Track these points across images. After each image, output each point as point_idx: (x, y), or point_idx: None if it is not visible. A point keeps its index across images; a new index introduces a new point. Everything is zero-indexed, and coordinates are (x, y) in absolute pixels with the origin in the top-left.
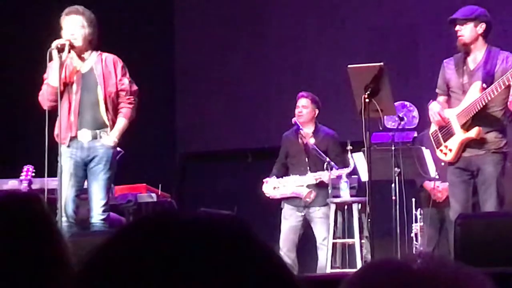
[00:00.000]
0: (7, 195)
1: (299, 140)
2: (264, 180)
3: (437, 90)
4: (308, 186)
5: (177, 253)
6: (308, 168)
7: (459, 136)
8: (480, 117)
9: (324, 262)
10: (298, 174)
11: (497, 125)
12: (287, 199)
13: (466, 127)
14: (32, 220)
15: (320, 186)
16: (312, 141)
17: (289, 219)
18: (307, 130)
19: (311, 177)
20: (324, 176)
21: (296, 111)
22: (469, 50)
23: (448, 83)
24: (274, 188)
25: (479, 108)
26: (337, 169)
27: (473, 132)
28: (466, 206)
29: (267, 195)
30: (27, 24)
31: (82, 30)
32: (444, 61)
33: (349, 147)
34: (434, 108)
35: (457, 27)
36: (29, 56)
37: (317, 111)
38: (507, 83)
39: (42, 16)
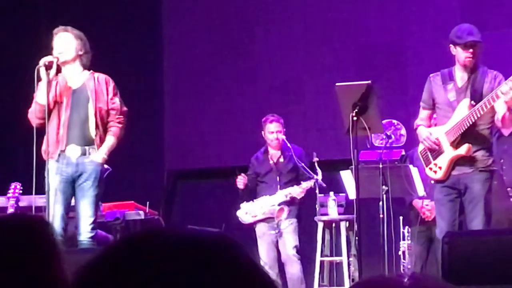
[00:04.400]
0: (12, 216)
1: (270, 160)
2: (241, 206)
3: (421, 104)
4: (279, 204)
5: (164, 270)
6: (279, 186)
7: (449, 153)
8: (468, 134)
9: (298, 277)
10: (268, 194)
11: (485, 143)
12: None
13: (455, 144)
14: (37, 241)
15: (291, 202)
16: (281, 160)
17: (264, 237)
18: (276, 151)
19: (281, 195)
20: (294, 191)
21: (271, 136)
22: (471, 69)
23: (435, 99)
24: (246, 213)
25: (467, 126)
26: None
27: (463, 149)
28: (452, 224)
29: (243, 223)
30: (16, 41)
31: (71, 43)
32: (431, 75)
33: (315, 159)
34: (423, 134)
35: (471, 49)
36: (17, 73)
37: (284, 130)
38: (496, 99)
39: (31, 33)
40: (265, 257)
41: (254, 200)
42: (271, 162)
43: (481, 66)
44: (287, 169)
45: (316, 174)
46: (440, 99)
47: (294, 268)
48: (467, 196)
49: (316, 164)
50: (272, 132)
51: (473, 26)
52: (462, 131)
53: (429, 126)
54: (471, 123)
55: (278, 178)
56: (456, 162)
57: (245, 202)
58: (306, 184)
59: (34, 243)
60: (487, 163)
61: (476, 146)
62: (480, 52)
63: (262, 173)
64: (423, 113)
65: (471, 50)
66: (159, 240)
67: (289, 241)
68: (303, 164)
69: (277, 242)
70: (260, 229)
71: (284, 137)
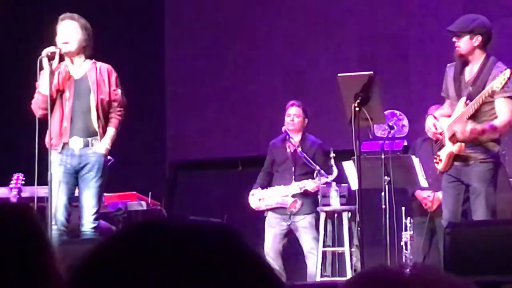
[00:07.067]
0: None
1: (287, 148)
2: (250, 193)
3: (442, 94)
4: (293, 196)
5: (166, 260)
6: (293, 177)
7: (447, 148)
8: None
9: (314, 270)
10: (283, 184)
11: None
12: (272, 209)
13: (455, 140)
14: (21, 230)
15: (305, 195)
16: (299, 149)
17: (274, 228)
18: (295, 138)
19: (295, 186)
20: (308, 184)
21: (288, 119)
22: (466, 60)
23: (448, 89)
24: (260, 199)
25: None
26: (327, 177)
27: (455, 147)
28: (454, 212)
29: (253, 207)
30: (19, 31)
31: (76, 35)
32: (448, 65)
33: (332, 155)
34: (427, 124)
35: (454, 39)
36: (19, 63)
37: (306, 121)
38: (484, 99)
39: (34, 23)
40: (269, 248)
41: (269, 188)
42: (288, 150)
43: (492, 60)
44: (303, 160)
45: (331, 171)
46: (450, 92)
47: (310, 264)
48: (470, 188)
49: (332, 160)
50: (289, 115)
51: (468, 16)
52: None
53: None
54: (465, 120)
55: (293, 168)
56: (457, 155)
57: (259, 188)
58: (322, 180)
59: (20, 232)
60: (489, 155)
61: (477, 141)
62: (468, 45)
63: (278, 161)
64: (446, 102)
65: (454, 39)
66: (160, 231)
67: (304, 238)
68: (318, 167)
69: (285, 235)
70: (270, 219)
71: (295, 120)
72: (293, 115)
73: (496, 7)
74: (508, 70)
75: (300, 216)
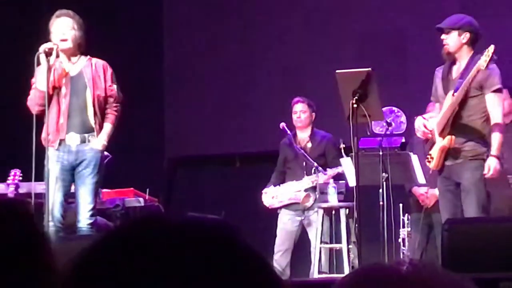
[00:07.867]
0: None
1: (297, 144)
2: (263, 192)
3: (431, 99)
4: (305, 190)
5: (164, 256)
6: (305, 172)
7: (438, 144)
8: (458, 126)
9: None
10: (295, 180)
11: (476, 133)
12: (285, 205)
13: (445, 135)
14: (16, 225)
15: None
16: (309, 145)
17: (287, 224)
18: (304, 134)
19: (308, 181)
20: (320, 178)
21: (294, 116)
22: (454, 58)
23: (437, 91)
24: (273, 197)
25: (449, 116)
26: (325, 174)
27: (445, 141)
28: (453, 214)
29: (267, 206)
30: (15, 28)
31: (73, 32)
32: (436, 69)
33: (341, 146)
34: (416, 124)
35: (443, 36)
36: (16, 60)
37: (314, 115)
38: (471, 83)
39: (30, 20)
40: (280, 245)
41: (281, 185)
42: (298, 147)
43: (477, 56)
44: (314, 155)
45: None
46: (439, 92)
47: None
48: (461, 186)
49: (342, 151)
50: (296, 112)
51: (457, 14)
52: (446, 121)
53: None
54: (452, 113)
55: (304, 163)
56: (448, 152)
57: (271, 186)
58: (332, 171)
59: (14, 226)
60: (479, 152)
61: (467, 137)
62: (456, 42)
63: (289, 159)
64: (435, 107)
65: (442, 37)
66: (158, 227)
67: (314, 232)
68: (316, 164)
69: (297, 231)
70: (283, 216)
71: (284, 124)
72: (299, 111)
73: (495, 6)
74: (492, 46)
75: (314, 210)
